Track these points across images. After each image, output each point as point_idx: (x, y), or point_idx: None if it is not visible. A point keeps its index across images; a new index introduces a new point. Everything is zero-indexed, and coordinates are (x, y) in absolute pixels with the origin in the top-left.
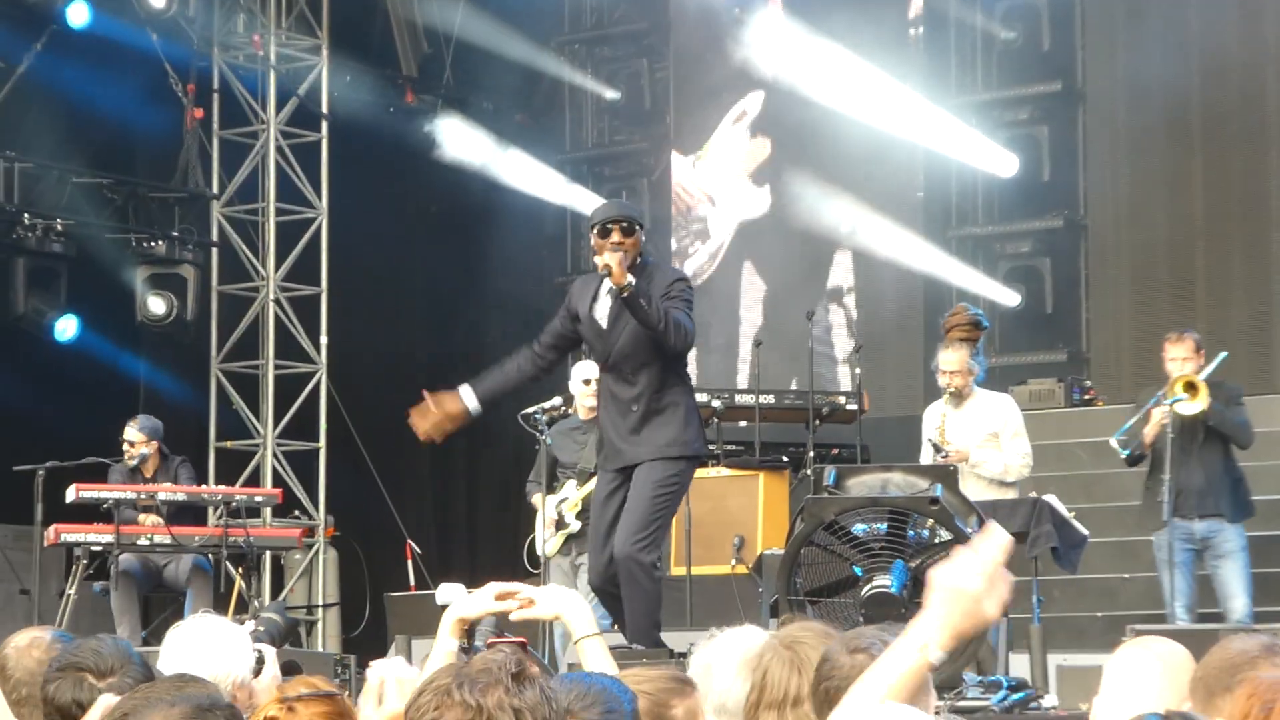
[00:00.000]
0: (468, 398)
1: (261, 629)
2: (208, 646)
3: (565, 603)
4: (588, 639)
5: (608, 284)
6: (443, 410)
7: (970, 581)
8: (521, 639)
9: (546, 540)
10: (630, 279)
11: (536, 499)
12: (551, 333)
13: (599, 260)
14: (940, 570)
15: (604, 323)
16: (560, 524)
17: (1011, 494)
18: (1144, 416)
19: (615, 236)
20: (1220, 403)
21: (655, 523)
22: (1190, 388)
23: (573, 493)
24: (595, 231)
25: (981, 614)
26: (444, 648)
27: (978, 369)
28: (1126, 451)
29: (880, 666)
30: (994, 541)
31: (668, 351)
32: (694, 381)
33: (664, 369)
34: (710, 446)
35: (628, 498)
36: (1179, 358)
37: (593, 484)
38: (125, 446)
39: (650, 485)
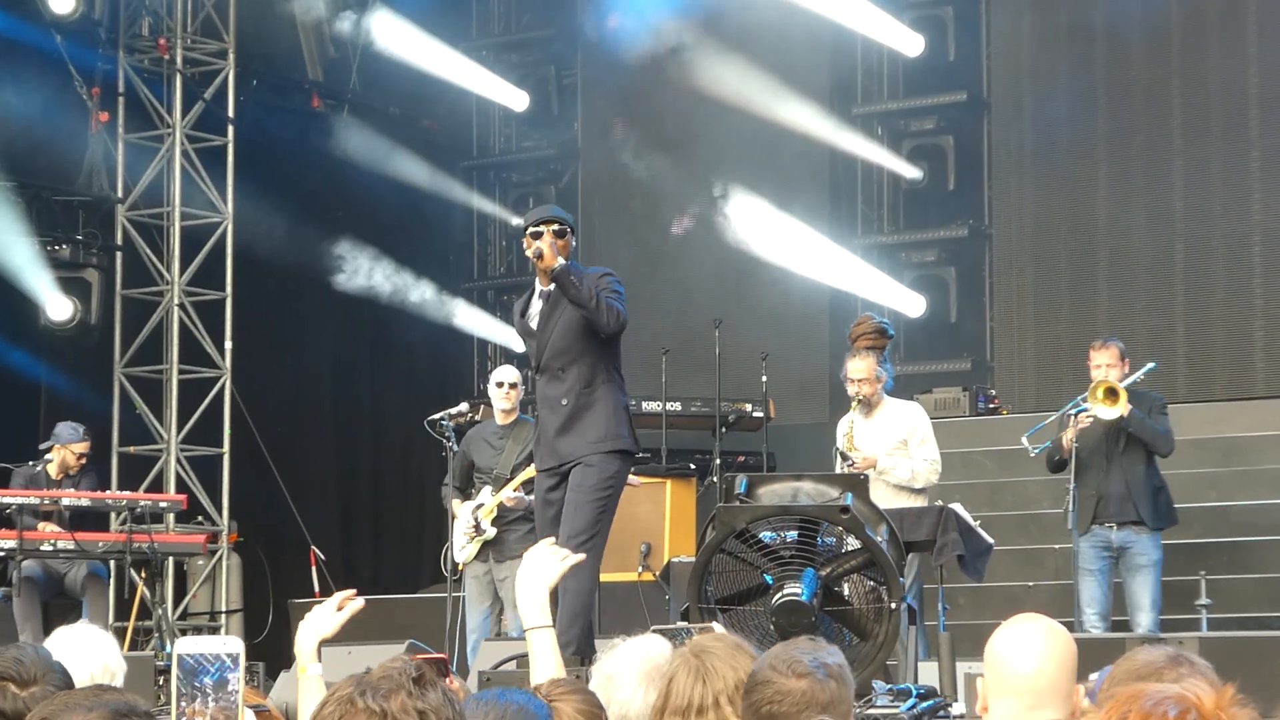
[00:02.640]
0: None
1: None
2: (84, 653)
3: None
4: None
5: (539, 288)
6: None
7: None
8: (442, 655)
9: (463, 547)
10: (561, 260)
11: (453, 504)
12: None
13: (529, 250)
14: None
15: (536, 325)
16: (477, 530)
17: (920, 501)
18: (1061, 419)
19: (547, 238)
20: (1143, 411)
21: (599, 522)
22: (1111, 394)
23: (489, 499)
24: (528, 234)
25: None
26: (313, 674)
27: (885, 377)
28: (1036, 450)
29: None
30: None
31: (601, 332)
32: None
33: (593, 365)
34: None
35: (567, 500)
36: (1103, 364)
37: (508, 490)
38: (72, 459)
39: (588, 489)
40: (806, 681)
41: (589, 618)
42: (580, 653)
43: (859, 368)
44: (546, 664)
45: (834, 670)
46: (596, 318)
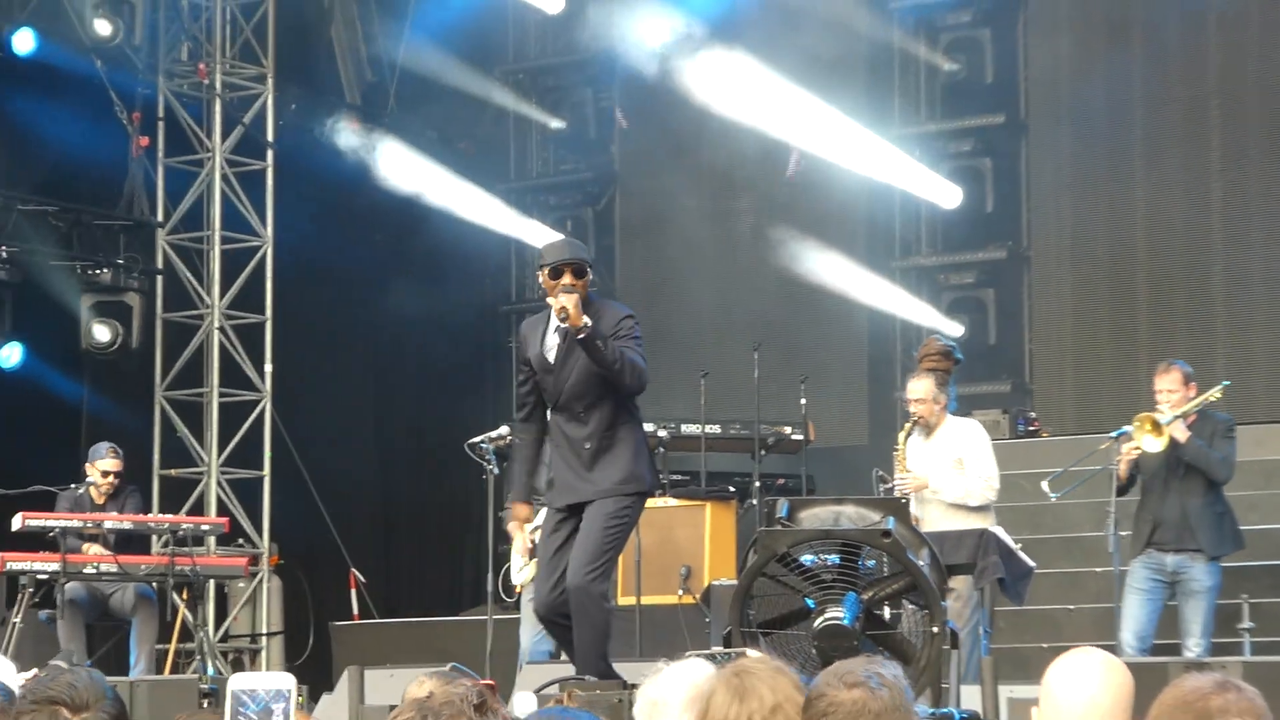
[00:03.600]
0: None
1: None
2: None
3: None
4: None
5: (554, 322)
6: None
7: None
8: (490, 681)
9: (521, 569)
10: (587, 321)
11: (511, 527)
12: (522, 397)
13: (553, 303)
14: None
15: (553, 361)
16: (534, 553)
17: (980, 520)
18: (1108, 451)
19: (566, 279)
20: (1204, 436)
21: (607, 554)
22: (1156, 427)
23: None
24: (546, 272)
25: None
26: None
27: (946, 399)
28: (1056, 495)
29: None
30: None
31: (622, 391)
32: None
33: (615, 407)
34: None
35: (580, 529)
36: (1163, 389)
37: None
38: (99, 478)
39: (602, 518)
40: (859, 691)
41: (604, 647)
42: (603, 676)
43: (916, 389)
44: None
45: (888, 680)
46: (619, 380)
